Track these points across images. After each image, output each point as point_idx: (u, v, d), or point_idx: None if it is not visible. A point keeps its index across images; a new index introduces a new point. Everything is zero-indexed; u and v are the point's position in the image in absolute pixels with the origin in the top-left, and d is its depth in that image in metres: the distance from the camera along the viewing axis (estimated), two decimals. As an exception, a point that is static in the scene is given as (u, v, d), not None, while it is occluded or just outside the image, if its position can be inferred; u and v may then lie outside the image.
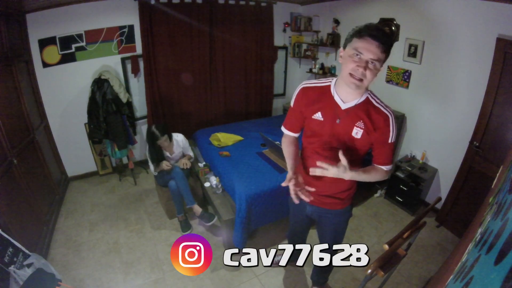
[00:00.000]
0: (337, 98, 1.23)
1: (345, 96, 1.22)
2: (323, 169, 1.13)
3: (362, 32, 1.07)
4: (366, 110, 1.21)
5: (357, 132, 1.23)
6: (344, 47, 1.16)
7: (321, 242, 1.63)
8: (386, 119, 1.21)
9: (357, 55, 1.08)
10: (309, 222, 1.73)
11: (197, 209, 2.54)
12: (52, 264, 1.77)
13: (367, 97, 1.22)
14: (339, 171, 1.12)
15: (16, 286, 1.45)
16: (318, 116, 1.28)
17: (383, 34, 1.06)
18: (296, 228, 1.87)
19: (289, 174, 1.25)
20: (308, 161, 1.42)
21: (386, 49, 1.07)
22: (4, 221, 1.78)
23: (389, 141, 1.25)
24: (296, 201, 1.21)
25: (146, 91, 3.41)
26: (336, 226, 1.58)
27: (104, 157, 3.55)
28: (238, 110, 4.18)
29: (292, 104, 1.37)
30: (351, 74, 1.11)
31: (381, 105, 1.23)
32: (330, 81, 1.27)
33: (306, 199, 1.20)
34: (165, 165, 2.56)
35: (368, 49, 1.06)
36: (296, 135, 1.46)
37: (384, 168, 1.31)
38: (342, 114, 1.23)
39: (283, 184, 1.23)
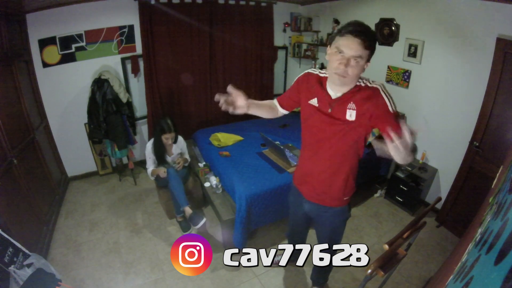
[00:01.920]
0: (329, 90, 1.29)
1: (336, 90, 1.27)
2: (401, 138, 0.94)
3: (343, 30, 1.10)
4: (356, 93, 1.23)
5: (350, 114, 1.24)
6: (330, 45, 1.20)
7: (319, 243, 1.63)
8: (375, 91, 1.19)
9: (340, 53, 1.11)
10: (307, 221, 1.73)
11: (188, 211, 2.47)
12: (52, 264, 1.76)
13: (356, 84, 1.25)
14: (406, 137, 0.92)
15: (16, 286, 1.45)
16: (314, 102, 1.33)
17: (364, 30, 1.08)
18: (295, 228, 1.88)
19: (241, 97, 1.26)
20: (305, 153, 1.47)
21: (368, 46, 1.09)
22: (4, 221, 1.78)
23: (391, 110, 1.15)
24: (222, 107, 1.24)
25: (146, 91, 3.41)
26: (333, 226, 1.57)
27: (104, 157, 3.55)
28: (238, 110, 4.17)
29: (293, 83, 1.44)
30: (335, 73, 1.15)
31: (367, 82, 1.23)
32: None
33: (225, 107, 1.23)
34: (162, 172, 2.52)
35: (348, 47, 1.09)
36: (280, 108, 1.50)
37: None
38: (333, 103, 1.27)
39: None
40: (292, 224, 1.88)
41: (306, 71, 1.40)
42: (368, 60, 1.15)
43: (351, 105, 1.23)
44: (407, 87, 3.01)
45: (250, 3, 3.70)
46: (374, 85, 1.21)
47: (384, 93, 1.18)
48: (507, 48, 2.07)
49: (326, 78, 1.31)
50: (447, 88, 2.66)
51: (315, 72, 1.36)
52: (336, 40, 1.14)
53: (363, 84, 1.23)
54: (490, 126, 2.29)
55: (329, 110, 1.28)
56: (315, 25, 3.98)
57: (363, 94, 1.21)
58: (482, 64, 2.28)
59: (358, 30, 1.07)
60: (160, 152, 2.61)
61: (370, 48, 1.11)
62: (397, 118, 1.14)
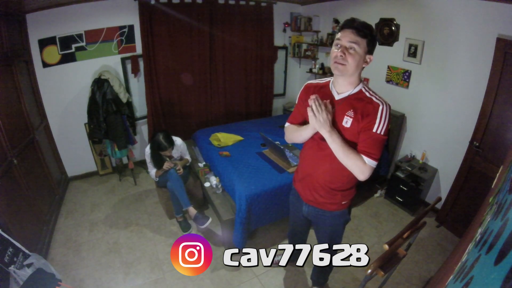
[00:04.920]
0: (333, 91, 1.33)
1: (340, 88, 1.31)
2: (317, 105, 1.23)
3: (339, 27, 1.23)
4: (358, 100, 1.26)
5: (346, 121, 1.27)
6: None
7: (319, 243, 1.63)
8: (376, 107, 1.22)
9: (337, 44, 1.22)
10: (307, 223, 1.74)
11: (192, 211, 2.48)
12: (52, 264, 1.76)
13: (360, 89, 1.28)
14: (324, 118, 1.22)
15: (16, 286, 1.45)
16: None
17: (357, 22, 1.18)
18: (295, 228, 1.88)
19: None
20: (305, 154, 1.48)
21: (362, 34, 1.17)
22: (4, 221, 1.78)
23: (374, 130, 1.21)
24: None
25: (146, 91, 3.41)
26: (332, 228, 1.57)
27: (104, 157, 3.55)
28: (238, 110, 4.18)
29: (296, 101, 1.52)
30: (335, 62, 1.22)
31: (374, 96, 1.26)
32: (330, 79, 1.38)
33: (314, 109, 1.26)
34: (165, 166, 2.54)
35: (344, 36, 1.19)
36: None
37: (363, 157, 1.23)
38: (336, 105, 1.30)
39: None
40: (293, 224, 1.88)
41: (305, 84, 1.47)
42: (369, 52, 1.21)
43: (350, 112, 1.26)
44: (407, 87, 3.01)
45: (250, 3, 3.70)
46: (378, 101, 1.23)
47: (381, 114, 1.21)
48: (507, 48, 2.07)
49: (328, 82, 1.37)
50: (447, 88, 2.66)
51: (314, 82, 1.44)
52: (336, 38, 1.23)
53: (368, 94, 1.26)
54: (490, 126, 2.29)
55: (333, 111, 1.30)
56: (315, 25, 3.98)
57: (366, 106, 1.23)
58: (482, 64, 2.28)
59: (350, 23, 1.18)
60: (159, 162, 2.60)
61: (366, 37, 1.17)
62: (376, 141, 1.22)
